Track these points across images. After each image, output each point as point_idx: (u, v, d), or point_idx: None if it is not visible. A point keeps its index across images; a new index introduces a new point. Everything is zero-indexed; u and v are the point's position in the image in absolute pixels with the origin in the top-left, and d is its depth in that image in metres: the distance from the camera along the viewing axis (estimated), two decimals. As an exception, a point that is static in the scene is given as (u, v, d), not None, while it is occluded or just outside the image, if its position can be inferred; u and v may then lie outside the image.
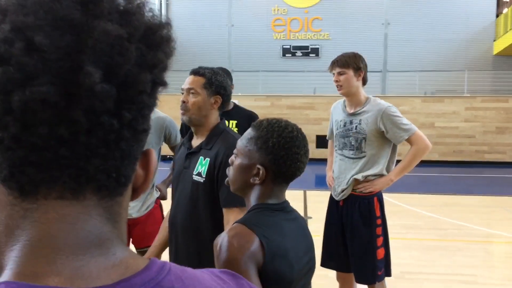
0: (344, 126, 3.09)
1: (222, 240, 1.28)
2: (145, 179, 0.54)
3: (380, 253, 3.04)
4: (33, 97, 0.42)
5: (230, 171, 1.47)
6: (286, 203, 1.45)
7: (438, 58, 18.00)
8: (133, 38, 0.46)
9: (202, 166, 2.13)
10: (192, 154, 2.20)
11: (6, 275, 0.44)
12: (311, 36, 20.50)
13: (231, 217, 2.01)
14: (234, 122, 3.32)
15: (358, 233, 3.04)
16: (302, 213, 7.34)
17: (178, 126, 3.13)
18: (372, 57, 18.55)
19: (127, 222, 0.54)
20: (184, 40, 20.58)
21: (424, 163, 14.40)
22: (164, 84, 0.51)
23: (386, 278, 4.40)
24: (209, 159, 2.12)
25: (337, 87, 3.04)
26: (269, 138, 1.36)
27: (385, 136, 2.98)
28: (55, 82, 0.42)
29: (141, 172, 0.53)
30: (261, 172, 1.37)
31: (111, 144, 0.46)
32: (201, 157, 2.15)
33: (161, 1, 20.62)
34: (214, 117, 2.23)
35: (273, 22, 20.64)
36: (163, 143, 3.04)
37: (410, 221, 7.07)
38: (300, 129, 1.44)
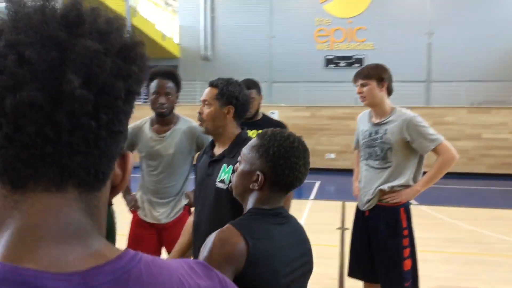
0: (370, 136, 3.10)
1: (209, 238, 1.34)
2: (122, 178, 0.62)
3: (407, 264, 3.02)
4: (22, 101, 0.50)
5: (233, 177, 1.54)
6: (281, 209, 1.48)
7: (485, 68, 17.45)
8: (110, 53, 0.54)
9: (225, 173, 2.21)
10: (215, 162, 2.29)
11: None
12: (354, 46, 20.36)
13: None
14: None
15: (384, 243, 3.03)
16: (339, 225, 7.30)
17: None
18: (415, 66, 18.27)
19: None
20: (227, 52, 20.93)
21: (471, 176, 14.00)
22: (137, 93, 0.59)
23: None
24: (232, 166, 2.19)
25: (361, 99, 3.06)
26: (270, 146, 1.42)
27: (411, 146, 2.97)
28: (41, 89, 0.50)
29: (119, 172, 0.61)
30: (260, 178, 1.43)
31: (90, 143, 0.54)
32: (224, 164, 2.24)
33: (205, 16, 21.07)
34: (232, 126, 2.31)
35: (316, 32, 20.65)
36: (196, 152, 3.14)
37: (451, 234, 6.89)
38: (303, 141, 1.49)
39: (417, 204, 9.05)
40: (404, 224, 3.04)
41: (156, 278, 0.56)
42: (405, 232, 3.04)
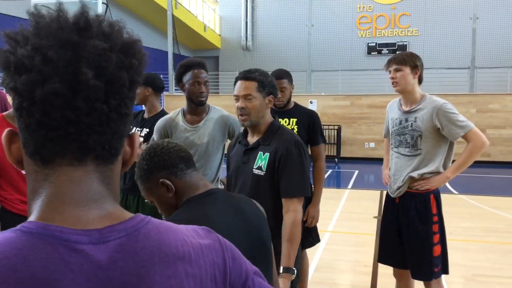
0: (400, 124, 3.13)
1: None
2: (131, 154, 0.76)
3: (437, 250, 3.04)
4: (48, 92, 0.63)
5: (161, 211, 1.57)
6: (212, 190, 1.52)
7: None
8: (114, 49, 0.67)
9: (262, 160, 2.34)
10: (250, 150, 2.41)
11: (30, 218, 0.66)
12: (398, 33, 20.03)
13: (291, 206, 2.28)
14: (295, 120, 3.47)
15: (414, 230, 3.06)
16: (376, 213, 7.30)
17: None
18: (459, 53, 17.76)
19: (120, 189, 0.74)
20: (267, 42, 20.98)
21: (517, 165, 13.41)
22: (138, 82, 0.72)
23: (456, 280, 4.34)
24: (268, 153, 2.33)
25: (393, 84, 3.08)
26: (147, 163, 1.50)
27: (441, 133, 2.99)
28: (63, 81, 0.63)
29: (128, 149, 0.75)
30: (167, 183, 1.47)
31: (103, 124, 0.67)
32: (260, 152, 2.36)
33: (246, 6, 21.17)
34: (268, 115, 2.44)
35: (358, 20, 20.40)
36: (228, 139, 3.26)
37: (491, 223, 6.77)
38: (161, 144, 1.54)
39: (457, 194, 8.91)
40: (434, 211, 3.06)
41: (162, 235, 0.69)
42: (435, 219, 3.06)
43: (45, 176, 0.66)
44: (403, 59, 3.05)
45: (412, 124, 3.06)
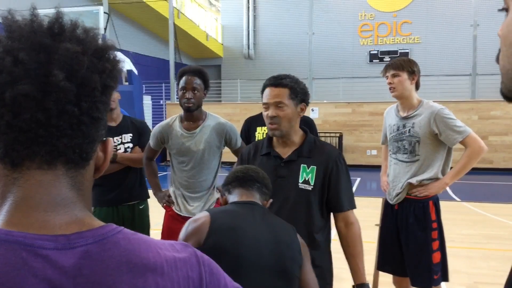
0: (398, 130, 3.12)
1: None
2: (104, 160, 0.74)
3: (436, 257, 3.01)
4: (18, 93, 0.62)
5: None
6: (251, 202, 1.76)
7: (536, 59, 16.70)
8: (86, 53, 0.66)
9: (307, 174, 2.16)
10: (289, 163, 2.20)
11: None
12: (400, 40, 20.05)
13: (349, 219, 2.26)
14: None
15: (413, 237, 3.04)
16: (378, 221, 7.21)
17: (239, 131, 3.33)
18: (461, 60, 17.75)
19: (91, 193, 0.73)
20: (269, 51, 21.03)
21: (520, 172, 13.34)
22: (112, 86, 0.70)
23: (457, 287, 4.29)
24: (314, 167, 2.16)
25: (390, 89, 3.07)
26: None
27: (439, 138, 2.97)
28: (33, 83, 0.62)
29: (101, 155, 0.73)
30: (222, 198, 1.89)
31: (74, 127, 0.66)
32: (302, 165, 2.17)
33: (248, 15, 21.26)
34: (298, 124, 2.27)
35: (359, 27, 20.44)
36: (225, 147, 3.24)
37: (493, 231, 6.71)
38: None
39: (460, 201, 8.85)
40: (433, 217, 3.04)
41: (133, 246, 0.67)
42: (434, 225, 3.04)
43: (14, 180, 0.65)
44: (400, 64, 3.05)
45: (409, 130, 3.04)
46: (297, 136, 2.25)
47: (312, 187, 2.15)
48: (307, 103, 2.25)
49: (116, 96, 3.44)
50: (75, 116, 0.65)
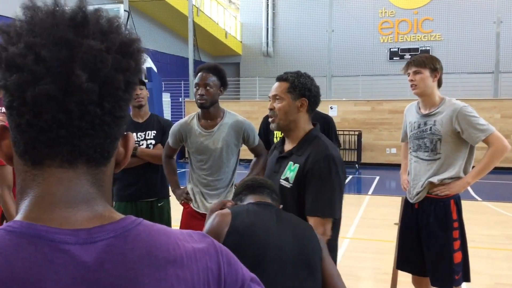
0: (419, 127, 3.06)
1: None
2: (125, 156, 0.73)
3: (457, 257, 2.96)
4: (40, 93, 0.61)
5: None
6: (266, 203, 1.78)
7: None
8: (111, 50, 0.64)
9: (290, 171, 2.16)
10: (283, 159, 2.24)
11: (16, 218, 0.64)
12: (421, 38, 19.80)
13: (317, 228, 1.95)
14: (309, 124, 3.42)
15: (434, 236, 2.99)
16: (397, 220, 7.14)
17: (257, 129, 3.32)
18: (483, 57, 17.43)
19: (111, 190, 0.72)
20: (287, 48, 20.95)
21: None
22: (135, 83, 0.69)
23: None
24: (298, 165, 2.14)
25: (412, 87, 3.02)
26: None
27: (461, 137, 2.91)
28: (55, 82, 0.61)
29: (122, 150, 0.72)
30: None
31: (96, 127, 0.65)
32: (290, 162, 2.18)
33: (267, 13, 21.21)
34: (303, 121, 2.23)
35: (380, 25, 20.24)
36: (243, 144, 3.23)
37: (516, 231, 6.59)
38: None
39: (481, 200, 8.71)
40: (455, 216, 2.99)
41: (154, 238, 0.66)
42: (455, 225, 2.98)
43: (34, 177, 0.64)
44: (422, 61, 2.99)
45: (431, 127, 2.99)
46: (301, 132, 2.22)
47: (291, 185, 2.14)
48: (309, 99, 2.20)
49: (145, 93, 3.47)
50: (97, 117, 0.64)
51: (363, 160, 14.28)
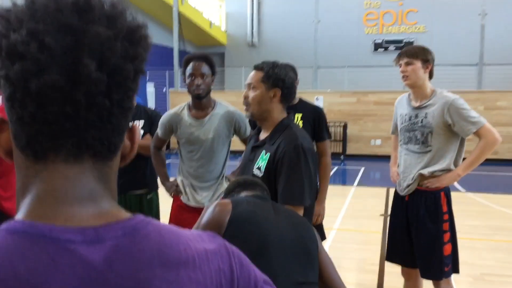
0: (410, 120, 3.06)
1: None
2: (131, 149, 0.69)
3: (447, 249, 2.98)
4: (45, 84, 0.56)
5: None
6: (263, 196, 1.79)
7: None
8: (118, 37, 0.59)
9: (262, 160, 2.19)
10: (257, 148, 2.28)
11: (17, 216, 0.59)
12: (405, 29, 19.88)
13: None
14: (300, 115, 3.40)
15: (424, 228, 3.00)
16: (382, 211, 7.23)
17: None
18: (468, 49, 17.60)
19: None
20: (273, 39, 20.88)
21: (525, 163, 13.34)
22: (142, 72, 0.64)
23: (464, 279, 4.27)
24: (270, 153, 2.17)
25: (403, 78, 3.00)
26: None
27: (452, 129, 2.91)
28: (61, 72, 0.56)
29: (128, 143, 0.68)
30: None
31: (104, 119, 0.60)
32: (263, 151, 2.21)
33: (252, 2, 21.08)
34: (277, 110, 2.25)
35: (365, 16, 20.27)
36: (234, 135, 3.20)
37: (499, 222, 6.69)
38: None
39: (465, 192, 8.82)
40: (445, 209, 3.00)
41: (164, 238, 0.62)
42: (446, 217, 3.00)
43: (36, 172, 0.60)
44: (414, 52, 2.98)
45: (422, 120, 2.99)
46: (274, 121, 2.25)
47: (262, 174, 2.17)
48: (282, 90, 2.22)
49: None
50: (105, 108, 0.59)
51: (348, 151, 14.35)
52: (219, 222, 1.56)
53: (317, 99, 13.99)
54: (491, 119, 12.85)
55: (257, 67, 2.27)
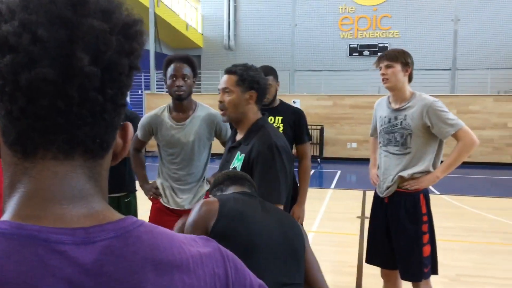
0: (389, 122, 3.09)
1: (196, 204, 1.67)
2: (123, 147, 0.66)
3: (427, 250, 3.01)
4: (37, 77, 0.53)
5: None
6: (251, 193, 1.79)
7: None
8: (114, 31, 0.57)
9: (238, 161, 2.22)
10: (233, 149, 2.31)
11: (4, 217, 0.57)
12: (379, 34, 20.16)
13: None
14: (280, 118, 3.40)
15: (403, 230, 3.03)
16: (359, 213, 7.29)
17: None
18: (441, 54, 17.97)
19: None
20: (250, 42, 20.92)
21: (496, 166, 13.76)
22: (137, 68, 0.62)
23: (440, 280, 4.33)
24: (244, 154, 2.20)
25: (383, 80, 3.04)
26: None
27: (431, 131, 2.96)
28: (53, 65, 0.54)
29: (120, 141, 0.65)
30: None
31: (97, 115, 0.58)
32: (238, 152, 2.24)
33: (229, 5, 21.07)
34: (252, 112, 2.28)
35: (340, 21, 20.48)
36: (215, 138, 3.17)
37: (472, 223, 6.82)
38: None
39: (438, 194, 8.97)
40: (424, 210, 3.04)
41: (157, 240, 0.60)
42: (425, 218, 3.03)
43: (25, 170, 0.57)
44: (394, 55, 3.02)
45: (401, 122, 3.02)
46: (250, 122, 2.27)
47: None
48: (257, 91, 2.25)
49: None
50: (98, 104, 0.57)
51: (325, 154, 14.45)
52: (205, 221, 1.56)
53: (294, 102, 14.05)
54: (464, 123, 13.22)
55: (229, 71, 2.29)
